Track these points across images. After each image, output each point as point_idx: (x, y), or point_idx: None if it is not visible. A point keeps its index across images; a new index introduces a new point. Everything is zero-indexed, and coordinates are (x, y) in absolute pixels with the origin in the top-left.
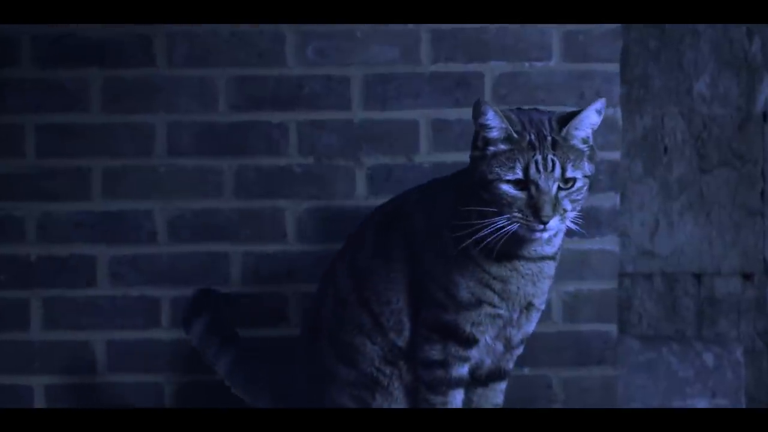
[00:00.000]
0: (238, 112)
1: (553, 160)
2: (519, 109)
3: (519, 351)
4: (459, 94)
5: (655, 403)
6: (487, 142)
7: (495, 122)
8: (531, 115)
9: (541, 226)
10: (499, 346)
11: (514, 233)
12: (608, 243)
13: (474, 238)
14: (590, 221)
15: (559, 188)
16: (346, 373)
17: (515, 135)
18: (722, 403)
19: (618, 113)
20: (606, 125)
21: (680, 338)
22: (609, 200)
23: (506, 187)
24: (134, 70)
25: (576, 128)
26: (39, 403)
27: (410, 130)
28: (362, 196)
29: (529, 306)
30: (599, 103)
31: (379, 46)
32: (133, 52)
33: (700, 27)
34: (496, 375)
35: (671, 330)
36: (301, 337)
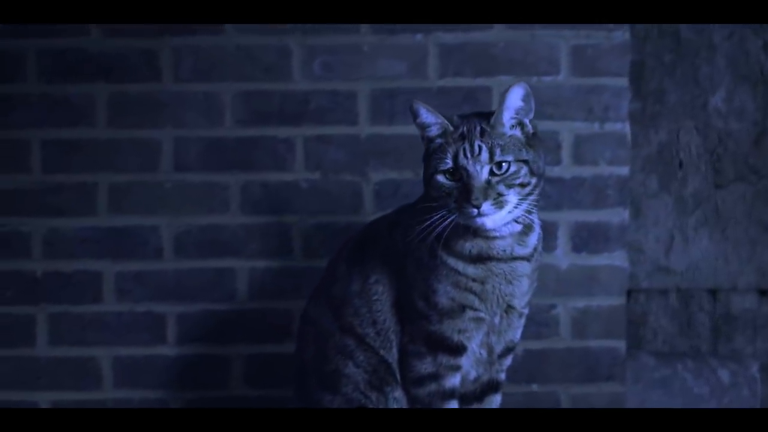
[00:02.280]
0: (245, 127)
1: (480, 146)
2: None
3: (508, 361)
4: (467, 108)
5: None
6: (430, 140)
7: (430, 119)
8: (471, 115)
9: (475, 211)
10: (484, 354)
11: (464, 226)
12: (617, 259)
13: (420, 232)
14: (599, 237)
15: (493, 173)
16: (330, 401)
17: (451, 128)
18: None
19: (627, 128)
20: (614, 140)
21: (695, 354)
22: (617, 216)
23: (441, 178)
24: (140, 85)
25: (501, 115)
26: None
27: (417, 145)
28: (369, 212)
29: (509, 309)
30: (518, 88)
31: (386, 60)
32: (139, 67)
33: (716, 40)
34: (489, 387)
35: (686, 346)
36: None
